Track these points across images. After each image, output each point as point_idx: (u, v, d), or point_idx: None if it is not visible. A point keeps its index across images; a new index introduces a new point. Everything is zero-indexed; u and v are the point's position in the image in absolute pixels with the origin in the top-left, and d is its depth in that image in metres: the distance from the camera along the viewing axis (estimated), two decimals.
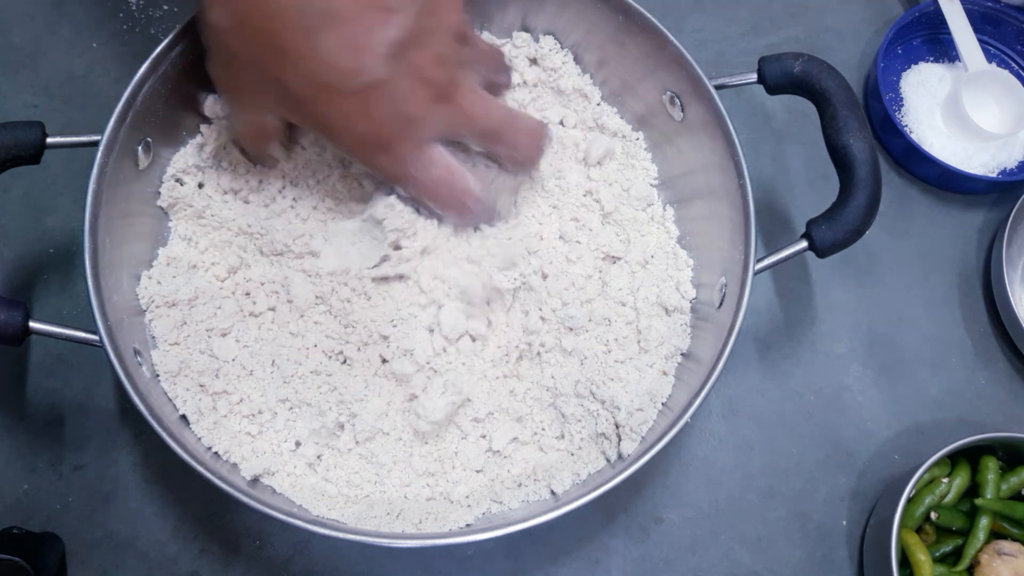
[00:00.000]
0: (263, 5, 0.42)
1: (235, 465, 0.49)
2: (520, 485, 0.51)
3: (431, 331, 0.51)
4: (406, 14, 0.42)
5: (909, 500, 0.54)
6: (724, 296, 0.52)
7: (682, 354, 0.54)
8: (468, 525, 0.49)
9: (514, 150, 0.50)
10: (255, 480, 0.49)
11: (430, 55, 0.44)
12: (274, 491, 0.49)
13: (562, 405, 0.52)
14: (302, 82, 0.43)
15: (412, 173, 0.47)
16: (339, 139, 0.46)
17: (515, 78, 0.60)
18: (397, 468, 0.50)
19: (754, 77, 0.54)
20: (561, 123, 0.59)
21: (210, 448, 0.49)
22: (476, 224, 0.52)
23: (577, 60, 0.60)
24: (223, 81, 0.48)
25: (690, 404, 0.46)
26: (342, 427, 0.50)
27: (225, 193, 0.54)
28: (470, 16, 0.50)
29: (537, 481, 0.51)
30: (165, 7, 0.66)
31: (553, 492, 0.50)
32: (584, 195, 0.57)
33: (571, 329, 0.53)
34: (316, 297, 0.51)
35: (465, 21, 0.46)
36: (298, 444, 0.50)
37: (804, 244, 0.51)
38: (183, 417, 0.50)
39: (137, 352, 0.49)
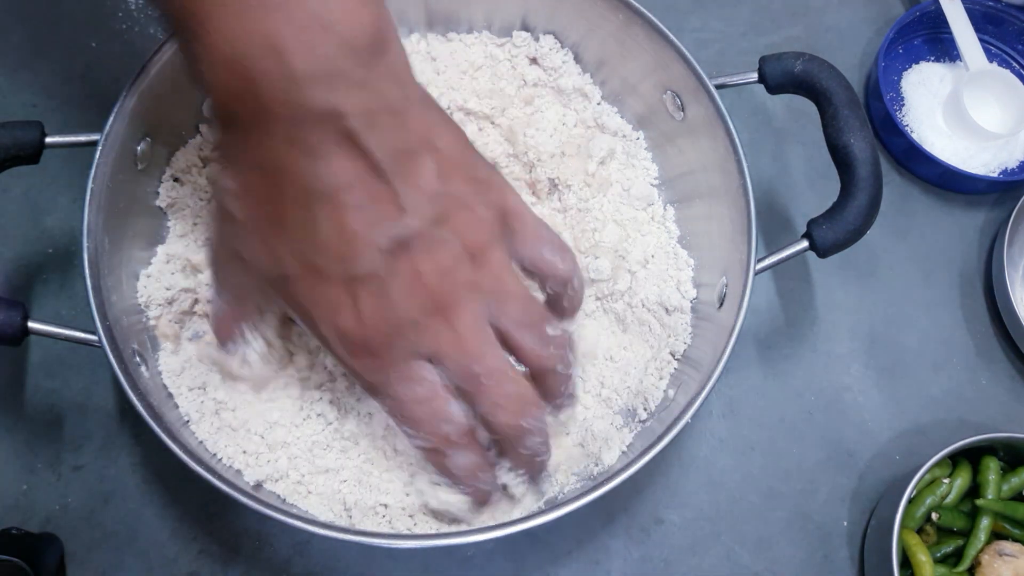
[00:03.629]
0: (272, 176, 0.38)
1: (239, 471, 0.49)
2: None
3: None
4: (418, 217, 0.38)
5: (910, 501, 0.54)
6: (725, 296, 0.52)
7: (683, 354, 0.54)
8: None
9: (491, 411, 0.41)
10: (258, 485, 0.49)
11: (434, 263, 0.39)
12: (278, 496, 0.49)
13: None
14: (292, 257, 0.39)
15: (392, 386, 0.41)
16: (321, 329, 0.40)
17: (516, 80, 0.59)
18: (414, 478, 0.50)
19: (755, 76, 0.54)
20: (562, 123, 0.59)
21: (215, 455, 0.49)
22: (451, 473, 0.44)
23: (577, 59, 0.60)
24: (218, 244, 0.44)
25: (690, 404, 0.46)
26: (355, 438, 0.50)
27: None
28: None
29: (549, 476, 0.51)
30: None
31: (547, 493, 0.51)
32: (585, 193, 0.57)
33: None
34: None
35: (486, 245, 0.40)
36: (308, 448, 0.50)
37: (805, 244, 0.51)
38: (182, 417, 0.50)
39: (136, 352, 0.49)
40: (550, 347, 0.42)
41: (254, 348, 0.47)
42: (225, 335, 0.47)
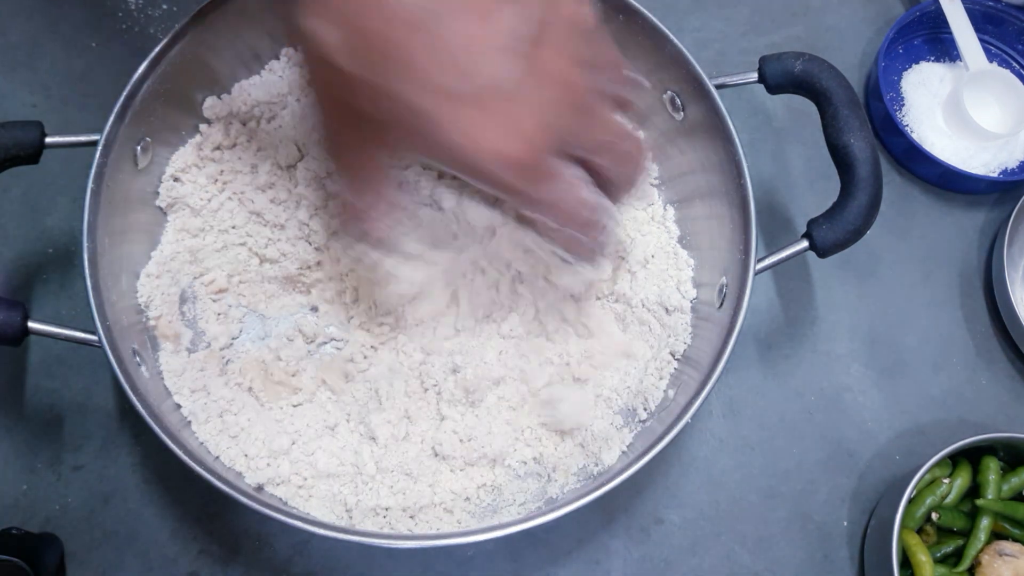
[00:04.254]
0: (372, 7, 0.36)
1: (240, 473, 0.49)
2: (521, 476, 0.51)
3: None
4: (529, 14, 0.37)
5: (910, 501, 0.54)
6: (724, 296, 0.52)
7: (682, 354, 0.54)
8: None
9: (620, 165, 0.43)
10: (259, 488, 0.49)
11: (558, 53, 0.38)
12: (279, 499, 0.49)
13: None
14: (421, 90, 0.37)
15: (549, 190, 0.41)
16: (471, 159, 0.38)
17: None
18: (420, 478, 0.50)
19: (755, 76, 0.54)
20: None
21: (216, 456, 0.49)
22: (591, 256, 0.47)
23: None
24: (329, 115, 0.42)
25: (690, 404, 0.46)
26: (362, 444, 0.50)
27: (229, 198, 0.54)
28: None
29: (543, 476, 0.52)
30: (164, 6, 0.66)
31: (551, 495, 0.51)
32: None
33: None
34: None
35: (595, 18, 0.40)
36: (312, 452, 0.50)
37: (805, 244, 0.51)
38: (184, 419, 0.50)
39: (136, 352, 0.49)
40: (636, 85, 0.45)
41: (408, 229, 0.47)
42: (372, 224, 0.45)
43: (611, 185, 0.44)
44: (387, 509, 0.49)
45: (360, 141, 0.41)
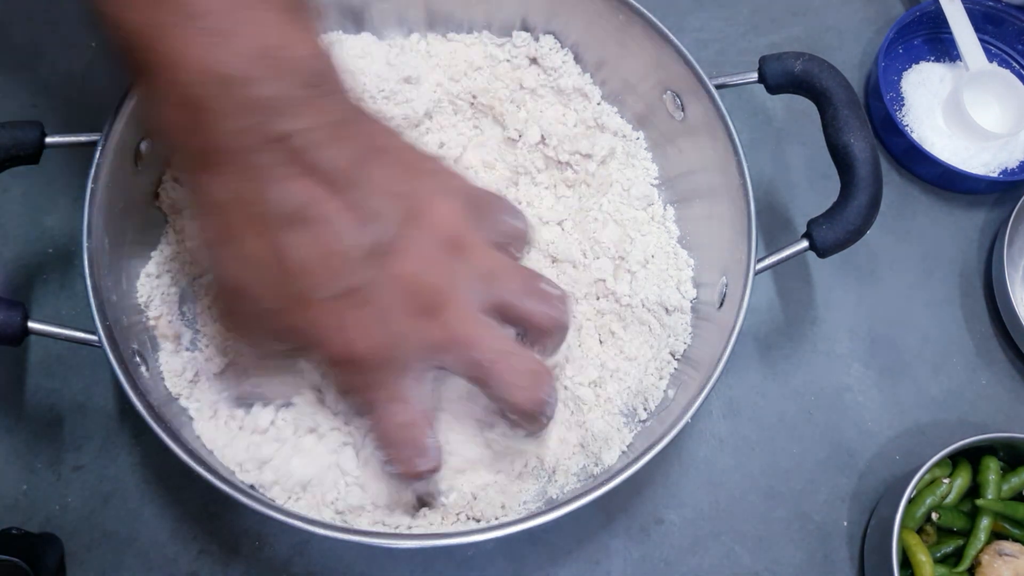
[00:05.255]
0: (232, 211, 0.38)
1: (233, 471, 0.49)
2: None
3: None
4: (385, 221, 0.38)
5: (910, 501, 0.54)
6: (725, 296, 0.52)
7: (682, 354, 0.54)
8: (475, 521, 0.49)
9: (506, 395, 0.41)
10: (253, 488, 0.49)
11: (413, 263, 0.39)
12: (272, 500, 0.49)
13: (568, 401, 0.52)
14: (272, 292, 0.39)
15: (381, 406, 0.41)
16: (316, 355, 0.41)
17: (514, 82, 0.59)
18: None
19: (755, 76, 0.54)
20: (562, 123, 0.59)
21: (215, 456, 0.49)
22: (404, 493, 0.47)
23: (577, 59, 0.60)
24: (227, 318, 0.45)
25: (690, 404, 0.46)
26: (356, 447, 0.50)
27: None
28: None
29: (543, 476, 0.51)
30: None
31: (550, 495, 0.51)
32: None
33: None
34: None
35: (461, 231, 0.40)
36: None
37: (805, 244, 0.51)
38: (184, 419, 0.50)
39: (136, 352, 0.49)
40: (556, 303, 0.43)
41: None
42: (242, 394, 0.48)
43: (501, 404, 0.42)
44: (376, 507, 0.49)
45: (241, 316, 0.43)
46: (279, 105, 0.36)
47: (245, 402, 0.49)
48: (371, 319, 0.39)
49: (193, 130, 0.37)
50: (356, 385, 0.41)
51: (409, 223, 0.39)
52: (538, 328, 0.42)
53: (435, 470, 0.43)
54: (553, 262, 0.55)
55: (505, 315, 0.42)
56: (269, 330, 0.42)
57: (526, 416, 0.42)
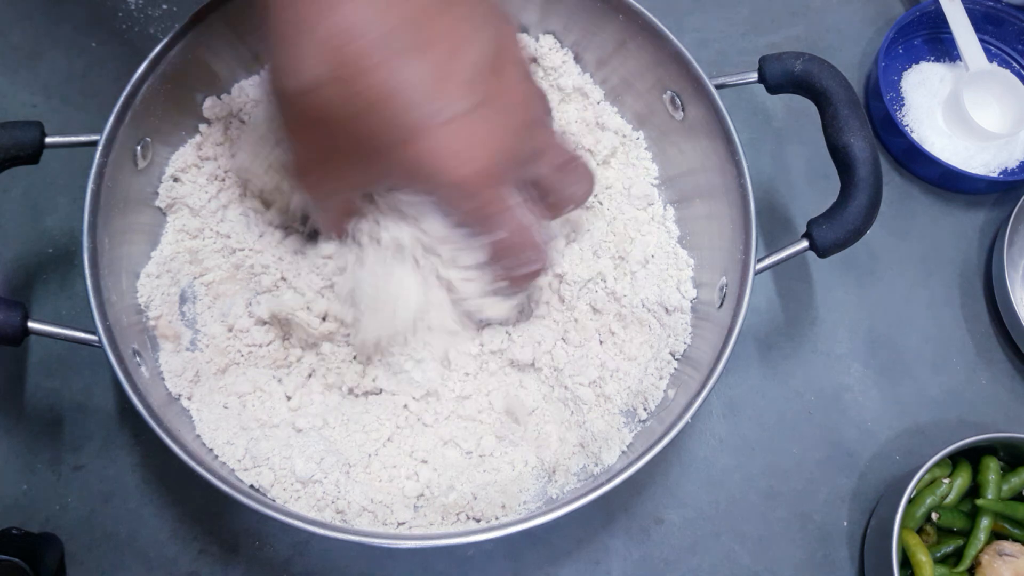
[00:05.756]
0: (349, 53, 0.38)
1: (233, 470, 0.49)
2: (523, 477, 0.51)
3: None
4: (484, 42, 0.40)
5: (910, 501, 0.54)
6: (724, 296, 0.52)
7: (682, 354, 0.54)
8: (475, 521, 0.49)
9: (574, 192, 0.47)
10: (253, 487, 0.49)
11: (512, 81, 0.42)
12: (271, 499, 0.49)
13: (568, 401, 0.52)
14: (393, 125, 0.40)
15: (503, 216, 0.43)
16: (441, 179, 0.41)
17: None
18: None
19: (755, 76, 0.54)
20: (562, 123, 0.59)
21: (215, 456, 0.49)
22: (520, 287, 0.49)
23: (577, 59, 0.60)
24: (305, 163, 0.45)
25: (690, 404, 0.46)
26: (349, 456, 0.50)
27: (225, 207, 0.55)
28: None
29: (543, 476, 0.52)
30: (164, 6, 0.66)
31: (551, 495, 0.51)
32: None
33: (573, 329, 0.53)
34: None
35: (527, 56, 0.45)
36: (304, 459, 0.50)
37: (805, 244, 0.51)
38: (184, 419, 0.50)
39: (136, 352, 0.49)
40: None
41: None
42: (337, 230, 0.49)
43: (562, 202, 0.47)
44: (375, 501, 0.49)
45: (329, 171, 0.44)
46: None
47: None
48: (486, 137, 0.41)
49: None
50: (477, 205, 0.43)
51: (498, 42, 0.41)
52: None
53: (546, 267, 0.47)
54: (552, 263, 0.55)
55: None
56: (373, 173, 0.43)
57: (583, 198, 0.48)
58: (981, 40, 0.68)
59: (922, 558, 0.53)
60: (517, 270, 0.47)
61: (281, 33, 0.40)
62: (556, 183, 0.46)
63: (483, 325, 0.52)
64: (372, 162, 0.42)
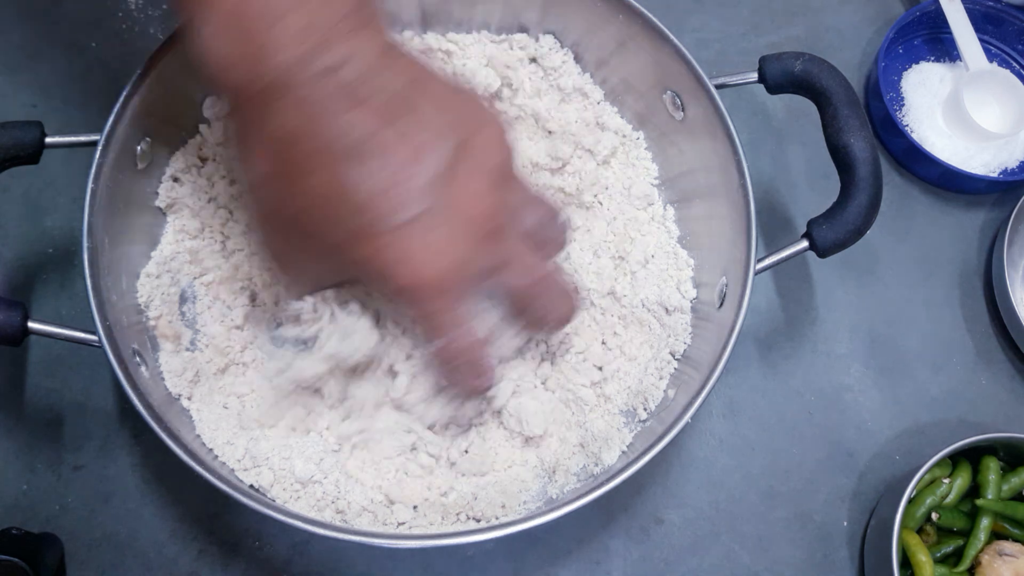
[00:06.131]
0: (291, 147, 0.39)
1: (233, 470, 0.49)
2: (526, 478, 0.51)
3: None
4: (440, 150, 0.39)
5: (910, 501, 0.54)
6: (725, 296, 0.52)
7: (682, 354, 0.54)
8: (475, 520, 0.49)
9: (546, 313, 0.46)
10: (253, 487, 0.49)
11: (471, 192, 0.40)
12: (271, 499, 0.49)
13: (568, 402, 0.52)
14: (341, 226, 0.40)
15: (451, 328, 0.43)
16: (384, 285, 0.41)
17: (514, 81, 0.59)
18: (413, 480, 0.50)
19: (755, 76, 0.54)
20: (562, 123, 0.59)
21: (215, 456, 0.49)
22: (462, 416, 0.50)
23: (577, 59, 0.60)
24: (273, 249, 0.45)
25: (690, 404, 0.46)
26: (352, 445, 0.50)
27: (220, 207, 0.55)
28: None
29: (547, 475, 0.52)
30: (164, 7, 0.66)
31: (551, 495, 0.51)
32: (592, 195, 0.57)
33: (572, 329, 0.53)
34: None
35: (505, 159, 0.43)
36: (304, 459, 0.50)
37: (805, 244, 0.51)
38: (184, 419, 0.50)
39: (136, 352, 0.49)
40: (565, 231, 0.47)
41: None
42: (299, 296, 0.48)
43: (534, 323, 0.47)
44: (374, 501, 0.49)
45: (292, 259, 0.44)
46: (326, 36, 0.37)
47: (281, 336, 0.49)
48: (436, 246, 0.40)
49: (246, 63, 0.38)
50: (423, 312, 0.42)
51: (462, 151, 0.40)
52: (552, 250, 0.46)
53: (490, 387, 0.47)
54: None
55: (534, 239, 0.45)
56: (329, 267, 0.43)
57: (559, 326, 0.48)
58: (981, 40, 0.68)
59: (922, 558, 0.53)
60: (460, 382, 0.46)
61: (239, 123, 0.40)
62: (528, 301, 0.45)
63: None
64: (328, 257, 0.42)
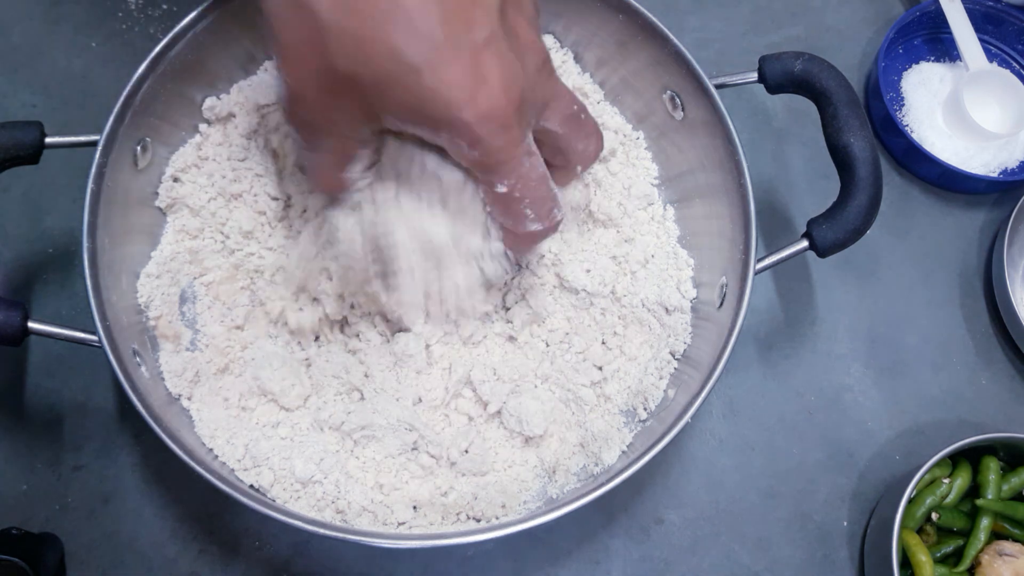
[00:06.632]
0: None
1: (233, 470, 0.49)
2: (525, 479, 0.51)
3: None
4: None
5: (910, 501, 0.54)
6: (724, 296, 0.52)
7: (682, 354, 0.54)
8: (474, 520, 0.49)
9: (586, 140, 0.45)
10: (253, 487, 0.49)
11: (525, 20, 0.40)
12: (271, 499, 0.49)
13: (568, 402, 0.52)
14: (404, 39, 0.36)
15: (520, 161, 0.41)
16: (444, 109, 0.38)
17: None
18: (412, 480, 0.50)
19: (755, 76, 0.54)
20: None
21: (215, 456, 0.49)
22: (540, 240, 0.46)
23: (577, 59, 0.60)
24: (302, 90, 0.40)
25: (690, 404, 0.46)
26: (354, 442, 0.50)
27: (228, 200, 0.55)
28: None
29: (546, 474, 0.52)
30: (164, 6, 0.66)
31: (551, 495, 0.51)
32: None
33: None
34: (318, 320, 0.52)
35: (536, 16, 0.43)
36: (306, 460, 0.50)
37: (805, 244, 0.51)
38: (184, 419, 0.50)
39: (136, 352, 0.49)
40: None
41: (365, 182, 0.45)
42: (332, 184, 0.45)
43: (571, 160, 0.46)
44: (375, 501, 0.49)
45: (326, 102, 0.40)
46: None
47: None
48: (509, 69, 0.38)
49: None
50: (490, 148, 0.39)
51: None
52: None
53: (560, 223, 0.45)
54: (553, 264, 0.55)
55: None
56: (367, 117, 0.40)
57: (595, 155, 0.47)
58: (981, 40, 0.68)
59: (922, 558, 0.53)
60: (528, 225, 0.43)
61: None
62: (565, 138, 0.44)
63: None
64: (375, 92, 0.38)
